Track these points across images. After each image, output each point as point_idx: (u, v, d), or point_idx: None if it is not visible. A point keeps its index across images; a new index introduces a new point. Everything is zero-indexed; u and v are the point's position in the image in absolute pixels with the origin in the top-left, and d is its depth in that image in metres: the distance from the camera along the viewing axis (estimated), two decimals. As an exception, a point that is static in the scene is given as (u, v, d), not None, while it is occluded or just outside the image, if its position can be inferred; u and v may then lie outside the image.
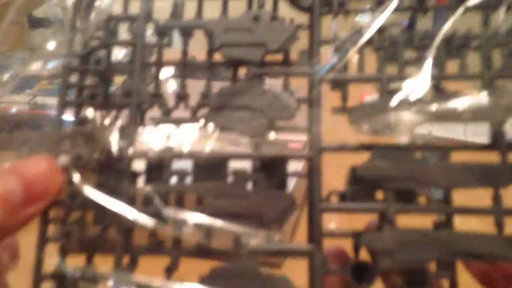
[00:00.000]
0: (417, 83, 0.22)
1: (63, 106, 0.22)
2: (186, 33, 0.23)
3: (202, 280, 0.19)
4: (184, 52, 0.24)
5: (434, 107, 0.22)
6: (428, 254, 0.19)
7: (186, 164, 0.22)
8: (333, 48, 0.23)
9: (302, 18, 0.24)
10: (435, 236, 0.20)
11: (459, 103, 0.22)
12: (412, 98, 0.22)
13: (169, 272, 0.21)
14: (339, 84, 0.23)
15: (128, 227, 0.21)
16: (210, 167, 0.22)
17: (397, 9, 0.23)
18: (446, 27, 0.22)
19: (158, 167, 0.22)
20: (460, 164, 0.21)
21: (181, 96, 0.23)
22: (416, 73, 0.22)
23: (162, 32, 0.23)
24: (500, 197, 0.21)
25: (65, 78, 0.22)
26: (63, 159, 0.20)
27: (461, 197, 0.22)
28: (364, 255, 0.21)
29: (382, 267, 0.19)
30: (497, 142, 0.22)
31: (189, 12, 0.24)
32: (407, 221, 0.21)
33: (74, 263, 0.21)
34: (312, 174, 0.21)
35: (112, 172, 0.21)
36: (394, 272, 0.20)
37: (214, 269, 0.20)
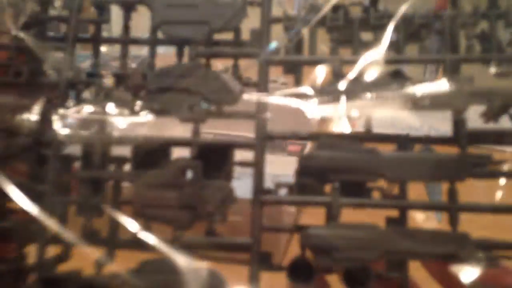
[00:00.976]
0: (373, 67, 0.20)
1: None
2: (127, 8, 0.22)
3: (130, 273, 0.18)
4: (125, 28, 0.22)
5: (390, 92, 0.20)
6: (372, 253, 0.18)
7: (126, 151, 0.21)
8: (283, 27, 0.21)
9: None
10: (381, 234, 0.19)
11: (418, 89, 0.20)
12: (368, 83, 0.20)
13: (101, 264, 0.20)
14: (292, 68, 0.22)
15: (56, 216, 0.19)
16: (151, 155, 0.21)
17: None
18: (405, 7, 0.21)
19: (94, 153, 0.20)
20: (413, 156, 0.20)
21: (121, 77, 0.21)
22: (372, 56, 0.21)
23: (100, 7, 0.21)
24: (455, 192, 0.20)
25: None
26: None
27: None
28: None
29: (320, 265, 0.18)
30: (457, 132, 0.20)
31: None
32: (362, 218, 0.20)
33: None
34: (256, 163, 0.20)
35: (41, 158, 0.20)
36: (335, 271, 0.19)
37: (143, 263, 0.19)
